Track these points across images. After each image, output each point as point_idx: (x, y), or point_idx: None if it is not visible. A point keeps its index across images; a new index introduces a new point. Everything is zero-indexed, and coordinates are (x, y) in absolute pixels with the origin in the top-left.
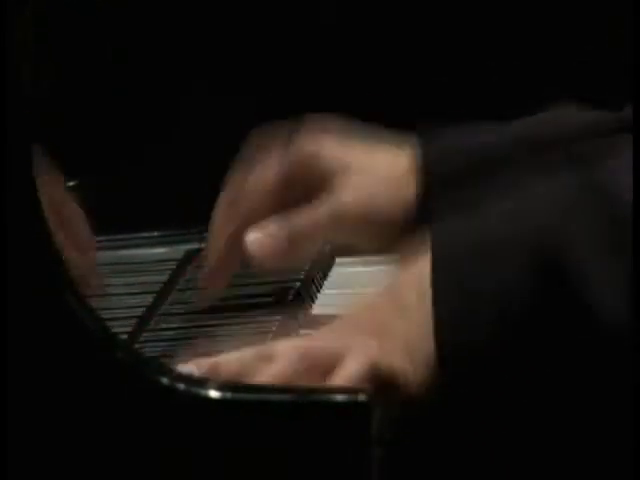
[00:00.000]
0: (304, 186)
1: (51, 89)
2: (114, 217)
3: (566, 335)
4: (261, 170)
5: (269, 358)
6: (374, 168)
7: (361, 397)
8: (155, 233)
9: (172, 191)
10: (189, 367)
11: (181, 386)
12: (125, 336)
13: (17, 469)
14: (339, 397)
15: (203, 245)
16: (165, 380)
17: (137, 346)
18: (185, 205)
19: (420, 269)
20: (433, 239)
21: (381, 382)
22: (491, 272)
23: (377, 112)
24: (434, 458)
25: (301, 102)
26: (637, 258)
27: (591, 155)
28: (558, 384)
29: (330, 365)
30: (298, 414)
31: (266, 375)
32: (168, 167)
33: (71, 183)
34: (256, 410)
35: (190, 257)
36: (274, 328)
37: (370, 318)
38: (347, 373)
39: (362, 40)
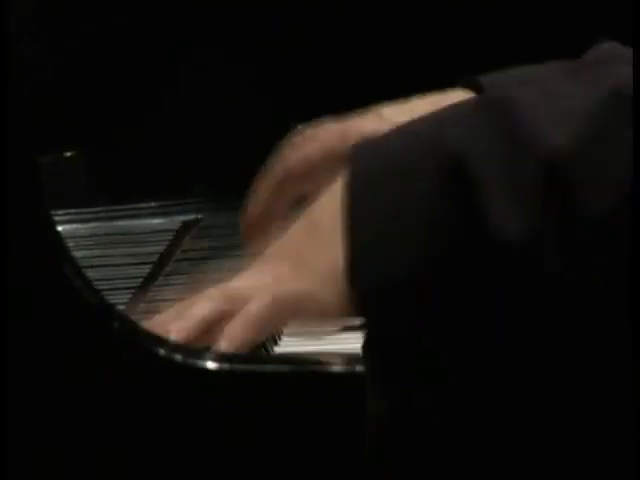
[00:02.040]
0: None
1: (49, 59)
2: (111, 188)
3: (470, 248)
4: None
5: (190, 305)
6: None
7: (359, 368)
8: (152, 204)
9: (169, 162)
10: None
11: (178, 357)
12: (122, 307)
13: (15, 438)
14: (336, 368)
15: (200, 216)
16: (162, 351)
17: (134, 317)
18: (182, 176)
19: (336, 187)
20: (350, 154)
21: (289, 310)
22: (399, 189)
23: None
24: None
25: (299, 69)
26: (637, 258)
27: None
28: (471, 299)
29: (238, 302)
30: (295, 385)
31: (187, 317)
32: (165, 138)
33: (68, 154)
34: (253, 381)
35: (187, 228)
36: None
37: (287, 248)
38: (249, 313)
39: (362, 40)
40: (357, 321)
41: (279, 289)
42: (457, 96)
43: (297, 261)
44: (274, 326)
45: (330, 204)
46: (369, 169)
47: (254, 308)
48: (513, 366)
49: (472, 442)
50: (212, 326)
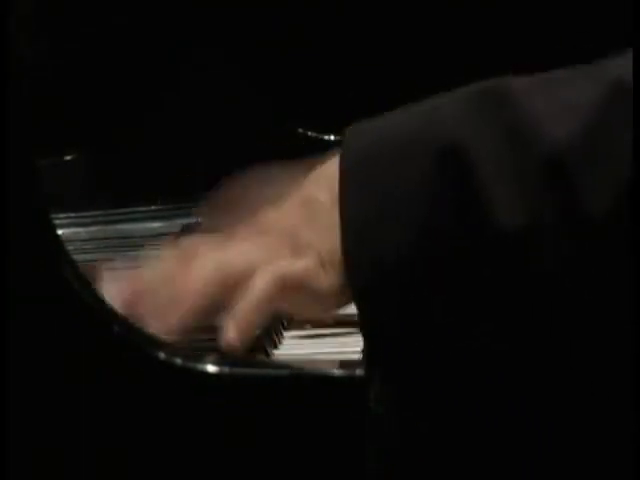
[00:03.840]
0: None
1: (49, 59)
2: (111, 191)
3: (465, 236)
4: None
5: (187, 264)
6: None
7: (358, 372)
8: (152, 207)
9: (169, 165)
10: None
11: (178, 360)
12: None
13: (15, 438)
14: (336, 371)
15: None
16: (162, 355)
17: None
18: (181, 179)
19: (332, 168)
20: (345, 136)
21: (292, 288)
22: (396, 172)
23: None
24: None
25: (299, 70)
26: (638, 257)
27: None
28: (465, 288)
29: (240, 280)
30: (295, 388)
31: (182, 289)
32: (165, 139)
33: (68, 157)
34: (253, 384)
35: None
36: None
37: (283, 223)
38: (254, 294)
39: (361, 39)
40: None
41: (281, 268)
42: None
43: (295, 239)
44: (278, 307)
45: (325, 185)
46: (363, 153)
47: (258, 290)
48: (509, 360)
49: (470, 442)
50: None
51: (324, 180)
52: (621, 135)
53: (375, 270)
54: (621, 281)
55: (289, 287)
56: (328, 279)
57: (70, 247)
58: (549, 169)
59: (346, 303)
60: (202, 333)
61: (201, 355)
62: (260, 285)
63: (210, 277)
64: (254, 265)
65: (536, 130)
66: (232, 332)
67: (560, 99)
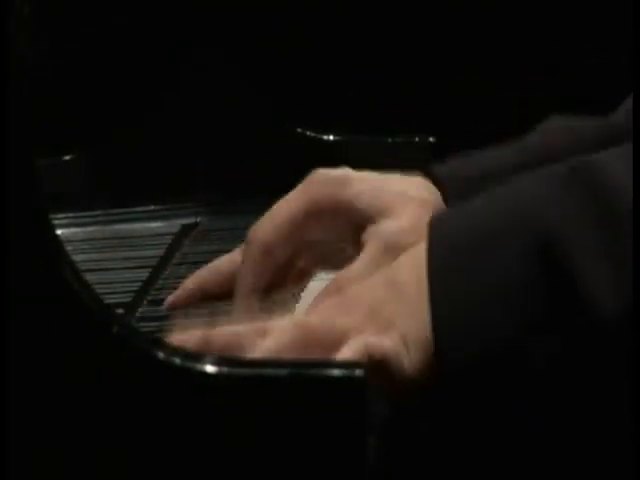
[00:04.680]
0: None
1: (49, 59)
2: (110, 191)
3: (564, 327)
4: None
5: (264, 333)
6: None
7: (358, 372)
8: (151, 207)
9: (169, 165)
10: (181, 338)
11: (177, 361)
12: (121, 310)
13: (15, 439)
14: (336, 372)
15: (199, 219)
16: (161, 355)
17: (133, 320)
18: (181, 179)
19: (420, 252)
20: (430, 224)
21: (376, 369)
22: (488, 262)
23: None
24: (429, 437)
25: (299, 70)
26: (637, 258)
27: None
28: (557, 377)
29: (325, 347)
30: (294, 389)
31: (261, 349)
32: (165, 139)
33: (67, 157)
34: (252, 385)
35: (186, 231)
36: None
37: (366, 299)
38: (345, 353)
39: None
40: None
41: (372, 340)
42: (419, 182)
43: (379, 319)
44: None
45: (414, 269)
46: (451, 240)
47: (349, 350)
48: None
49: (472, 444)
50: None
51: (412, 267)
52: None
53: (469, 366)
54: None
55: (373, 362)
56: (415, 361)
57: (69, 247)
58: None
59: (428, 382)
60: None
61: (200, 355)
62: (348, 354)
63: (292, 335)
64: (338, 334)
65: (629, 211)
66: None
67: None
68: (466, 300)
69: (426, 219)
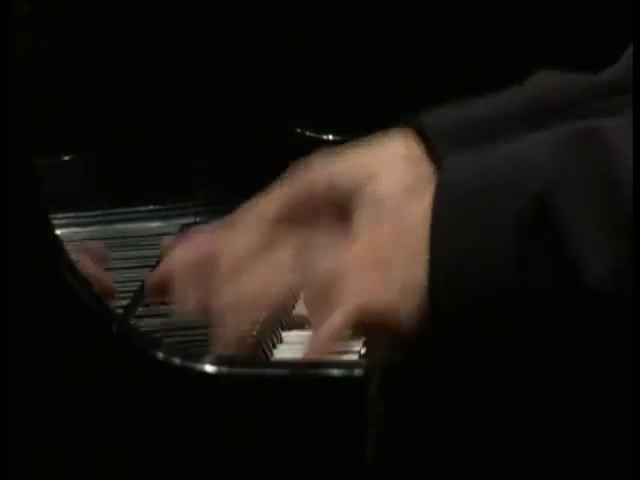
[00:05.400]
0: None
1: (49, 59)
2: (110, 191)
3: (551, 289)
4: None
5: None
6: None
7: (358, 372)
8: (151, 207)
9: (168, 165)
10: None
11: (177, 360)
12: (121, 310)
13: (16, 438)
14: (335, 372)
15: (198, 219)
16: (160, 355)
17: (133, 320)
18: (181, 179)
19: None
20: (441, 176)
21: (371, 322)
22: (487, 221)
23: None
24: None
25: (299, 70)
26: (637, 257)
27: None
28: (545, 339)
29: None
30: (294, 389)
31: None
32: (165, 139)
33: (67, 157)
34: (252, 385)
35: (185, 231)
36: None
37: (372, 250)
38: (332, 327)
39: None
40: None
41: (363, 300)
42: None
43: (383, 267)
44: (354, 336)
45: (423, 217)
46: (457, 189)
47: (337, 321)
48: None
49: (471, 442)
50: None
51: (421, 214)
52: None
53: (458, 303)
54: None
55: (369, 319)
56: (408, 309)
57: (69, 247)
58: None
59: (420, 330)
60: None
61: (200, 355)
62: (339, 318)
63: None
64: (336, 290)
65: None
66: (312, 351)
67: None
68: (464, 247)
69: (408, 175)
